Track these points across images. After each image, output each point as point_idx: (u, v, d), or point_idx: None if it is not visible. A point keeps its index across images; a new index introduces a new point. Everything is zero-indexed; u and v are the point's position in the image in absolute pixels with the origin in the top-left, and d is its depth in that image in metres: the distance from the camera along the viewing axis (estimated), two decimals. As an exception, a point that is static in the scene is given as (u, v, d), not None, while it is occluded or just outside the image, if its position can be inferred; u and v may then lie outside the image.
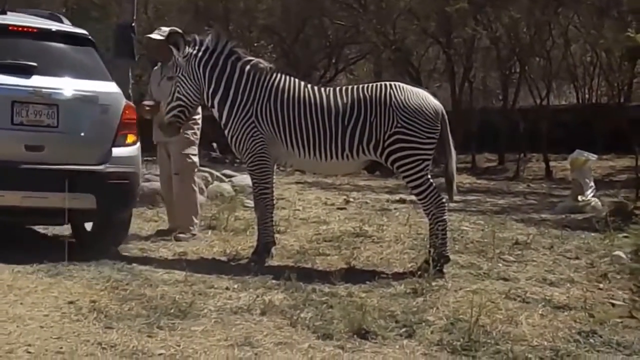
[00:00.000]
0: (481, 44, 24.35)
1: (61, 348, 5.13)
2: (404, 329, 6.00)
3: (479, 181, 19.32)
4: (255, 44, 26.34)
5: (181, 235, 8.89)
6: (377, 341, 5.75)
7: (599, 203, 12.87)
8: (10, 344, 5.14)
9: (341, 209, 11.97)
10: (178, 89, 8.15)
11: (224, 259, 8.12)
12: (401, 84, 8.02)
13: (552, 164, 21.01)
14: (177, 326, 5.76)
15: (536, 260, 8.48)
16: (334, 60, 29.18)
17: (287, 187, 14.61)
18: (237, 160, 20.47)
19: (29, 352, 5.04)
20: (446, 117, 7.93)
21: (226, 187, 11.93)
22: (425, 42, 26.26)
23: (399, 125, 7.72)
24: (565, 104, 27.20)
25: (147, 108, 9.02)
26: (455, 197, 8.46)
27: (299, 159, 8.04)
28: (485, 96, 27.60)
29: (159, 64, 9.39)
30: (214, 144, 21.14)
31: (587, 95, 25.09)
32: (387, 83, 8.01)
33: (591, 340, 5.91)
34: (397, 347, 5.67)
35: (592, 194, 13.02)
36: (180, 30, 8.55)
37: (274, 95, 7.97)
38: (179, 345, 5.35)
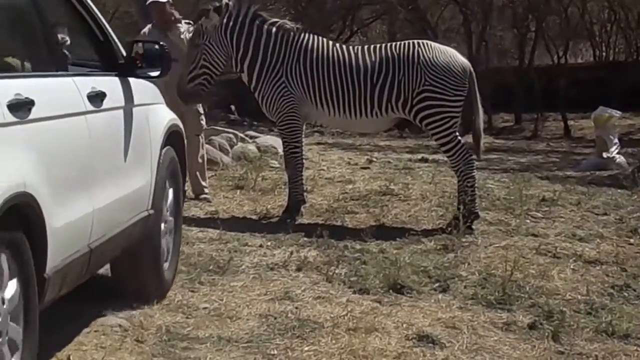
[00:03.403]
0: (498, 3, 24.14)
1: (111, 302, 5.24)
2: (437, 284, 6.10)
3: (497, 141, 19.25)
4: (270, 7, 26.16)
5: (208, 195, 8.87)
6: (413, 295, 5.84)
7: (624, 160, 12.85)
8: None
9: (365, 168, 11.97)
10: (204, 56, 8.12)
11: (254, 217, 8.19)
12: (429, 42, 8.07)
13: (569, 122, 20.93)
14: (217, 282, 5.89)
15: (564, 216, 8.50)
16: (348, 22, 28.98)
17: (308, 148, 14.52)
18: (255, 123, 20.56)
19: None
20: (474, 74, 7.97)
21: (251, 147, 11.93)
22: (441, 1, 26.09)
23: (427, 83, 7.76)
24: (582, 62, 26.99)
25: None
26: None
27: (329, 117, 8.12)
28: (500, 56, 27.40)
29: (149, 26, 9.10)
30: (232, 107, 21.16)
31: (604, 53, 24.90)
32: (416, 41, 8.03)
33: (625, 294, 6.00)
34: (433, 301, 5.76)
35: (616, 151, 12.97)
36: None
37: (303, 55, 8.01)
38: (221, 300, 5.49)
